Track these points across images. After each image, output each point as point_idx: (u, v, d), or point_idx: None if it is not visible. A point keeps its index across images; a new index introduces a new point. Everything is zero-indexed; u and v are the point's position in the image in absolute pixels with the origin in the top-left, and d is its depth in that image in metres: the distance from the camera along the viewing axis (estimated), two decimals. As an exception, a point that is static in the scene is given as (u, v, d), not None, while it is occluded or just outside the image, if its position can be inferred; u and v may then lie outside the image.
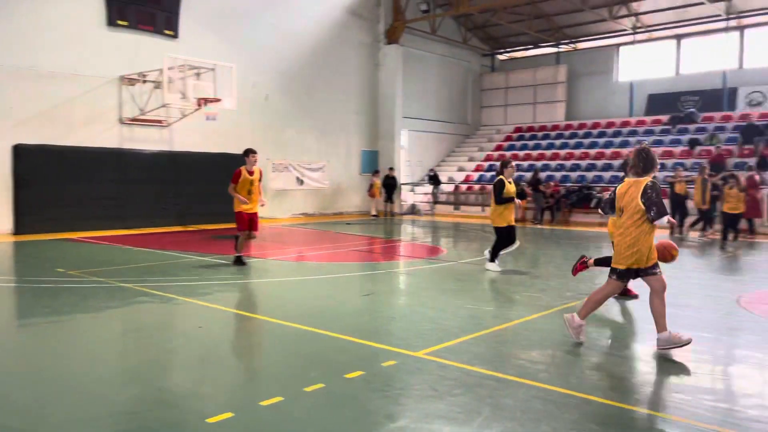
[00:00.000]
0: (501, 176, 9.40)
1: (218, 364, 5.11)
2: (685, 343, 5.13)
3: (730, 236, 14.32)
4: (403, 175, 25.19)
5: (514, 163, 9.58)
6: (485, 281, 9.05)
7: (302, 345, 5.68)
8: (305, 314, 6.81)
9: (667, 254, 5.97)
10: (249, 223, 9.99)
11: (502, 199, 9.34)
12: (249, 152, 9.91)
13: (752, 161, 18.46)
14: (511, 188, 9.37)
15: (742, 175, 15.25)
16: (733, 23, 23.01)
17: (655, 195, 5.03)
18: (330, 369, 4.82)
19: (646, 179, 5.15)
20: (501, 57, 30.32)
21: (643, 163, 5.18)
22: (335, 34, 22.55)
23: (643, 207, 5.05)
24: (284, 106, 20.82)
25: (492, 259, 9.67)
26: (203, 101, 16.08)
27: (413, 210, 24.87)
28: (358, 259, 11.74)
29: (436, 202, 24.42)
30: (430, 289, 8.47)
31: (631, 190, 5.19)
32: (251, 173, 9.92)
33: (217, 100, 16.24)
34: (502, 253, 9.78)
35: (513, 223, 9.59)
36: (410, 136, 25.97)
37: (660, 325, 5.19)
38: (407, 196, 25.41)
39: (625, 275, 5.28)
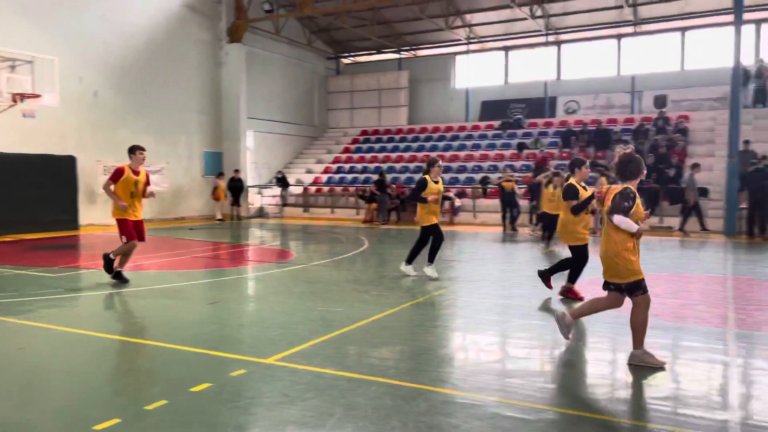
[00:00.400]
0: (426, 175, 9.10)
1: (44, 388, 4.59)
2: (658, 366, 4.88)
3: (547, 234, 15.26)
4: (249, 178, 24.59)
5: (441, 163, 9.39)
6: (335, 283, 9.11)
7: (142, 360, 5.30)
8: (143, 327, 6.36)
9: None
10: (136, 232, 8.61)
11: (418, 197, 9.05)
12: (136, 149, 8.56)
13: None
14: (435, 187, 9.09)
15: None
16: (551, 38, 25.47)
17: (621, 199, 4.86)
18: (173, 383, 4.54)
19: (626, 185, 4.95)
20: (346, 60, 30.80)
21: (625, 168, 4.97)
22: (173, 29, 21.42)
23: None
24: (117, 104, 19.35)
25: (409, 262, 9.47)
26: (19, 97, 14.44)
27: (261, 213, 24.39)
28: (202, 267, 11.23)
29: (284, 204, 24.18)
30: (279, 294, 8.34)
31: (610, 195, 5.02)
32: (137, 173, 8.58)
33: (36, 96, 14.68)
34: (436, 255, 9.44)
35: (437, 222, 9.29)
36: (256, 138, 25.44)
37: (637, 340, 4.96)
38: (255, 199, 24.86)
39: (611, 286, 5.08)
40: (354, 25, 25.56)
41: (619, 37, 24.55)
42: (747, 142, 17.25)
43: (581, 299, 7.49)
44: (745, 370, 4.99)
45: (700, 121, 21.69)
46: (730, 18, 17.48)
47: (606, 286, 5.13)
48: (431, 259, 9.38)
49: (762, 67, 20.90)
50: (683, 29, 23.42)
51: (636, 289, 4.90)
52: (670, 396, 4.36)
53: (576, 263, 7.64)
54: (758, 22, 21.85)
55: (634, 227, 4.81)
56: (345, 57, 30.45)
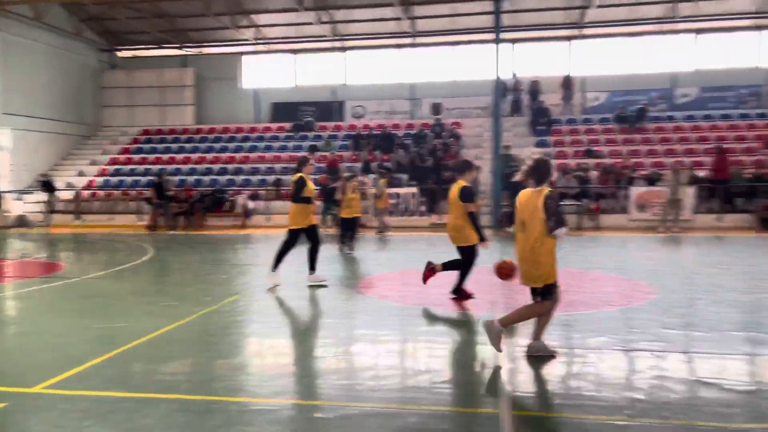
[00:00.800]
0: (301, 174, 8.50)
1: None
2: (551, 354, 5.09)
3: (349, 236, 15.40)
4: (6, 182, 21.45)
5: (313, 161, 9.14)
6: (116, 296, 8.33)
7: None
8: None
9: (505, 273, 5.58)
10: None
11: (302, 198, 8.43)
12: None
13: (359, 165, 21.44)
14: (312, 186, 8.63)
15: (364, 178, 17.38)
16: (338, 44, 26.31)
17: (554, 204, 4.88)
18: None
19: (545, 189, 4.97)
20: (123, 54, 28.42)
21: (539, 172, 5.00)
22: None
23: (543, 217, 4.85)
24: None
25: (275, 267, 8.48)
26: None
27: (22, 222, 21.38)
28: (-54, 286, 9.48)
29: (51, 211, 21.48)
30: (48, 313, 7.37)
31: (531, 200, 4.97)
32: None
33: None
34: (317, 259, 8.67)
35: (314, 223, 8.68)
36: (15, 136, 22.27)
37: (537, 333, 5.13)
38: (13, 206, 21.73)
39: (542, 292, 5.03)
40: (129, 16, 23.69)
41: (399, 46, 26.21)
42: (507, 146, 19.58)
43: (471, 297, 7.47)
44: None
45: (470, 127, 24.12)
46: (492, 36, 19.72)
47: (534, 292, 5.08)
48: (312, 267, 8.65)
49: (517, 81, 23.98)
50: (453, 43, 25.82)
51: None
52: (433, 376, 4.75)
53: (466, 264, 7.49)
54: (514, 41, 24.98)
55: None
56: (122, 50, 28.09)
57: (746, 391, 4.38)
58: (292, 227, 8.55)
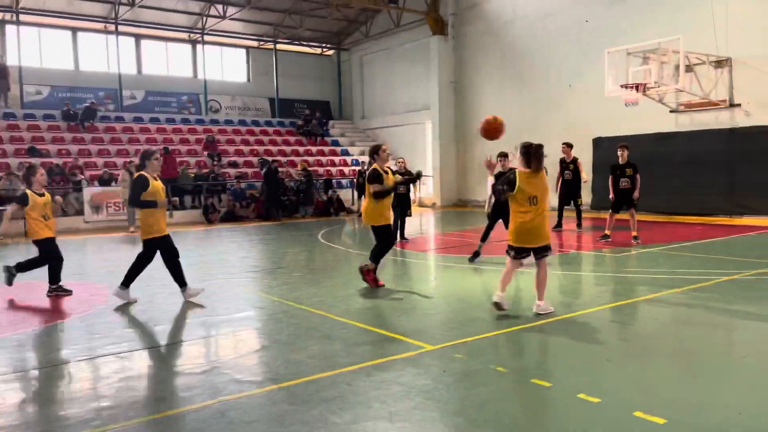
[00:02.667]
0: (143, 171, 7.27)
1: None
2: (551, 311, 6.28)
3: None
4: None
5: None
6: None
7: None
8: None
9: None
10: None
11: (140, 202, 7.25)
12: None
13: None
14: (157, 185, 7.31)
15: None
16: None
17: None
18: None
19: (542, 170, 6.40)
20: None
21: (528, 156, 6.28)
22: None
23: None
24: None
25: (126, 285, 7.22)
26: None
27: None
28: None
29: None
30: None
31: (539, 180, 6.28)
32: None
33: None
34: None
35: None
36: None
37: (540, 293, 6.34)
38: None
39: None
40: None
41: None
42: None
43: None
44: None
45: None
46: None
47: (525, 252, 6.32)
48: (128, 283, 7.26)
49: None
50: None
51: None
52: None
53: (382, 243, 7.83)
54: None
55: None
56: None
57: (203, 371, 4.83)
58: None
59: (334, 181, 23.23)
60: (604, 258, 10.01)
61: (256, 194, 20.43)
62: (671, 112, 16.87)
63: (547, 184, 6.57)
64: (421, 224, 17.30)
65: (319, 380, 4.51)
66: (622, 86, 14.99)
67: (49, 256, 7.89)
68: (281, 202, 20.29)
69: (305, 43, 29.17)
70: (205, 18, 25.32)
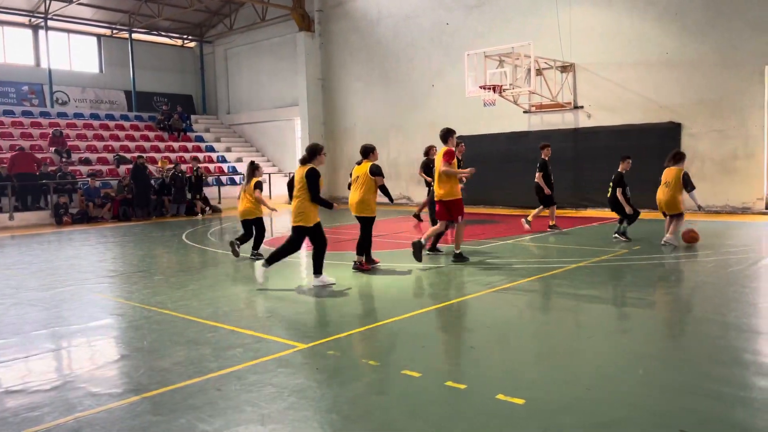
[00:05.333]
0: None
1: None
2: None
3: None
4: None
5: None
6: None
7: None
8: None
9: None
10: None
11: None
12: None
13: None
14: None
15: None
16: None
17: None
18: None
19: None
20: None
21: None
22: None
23: None
24: None
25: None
26: None
27: None
28: None
29: None
30: None
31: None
32: None
33: None
34: None
35: None
36: None
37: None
38: None
39: None
40: None
41: None
42: None
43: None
44: None
45: None
46: None
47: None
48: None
49: None
50: None
51: None
52: None
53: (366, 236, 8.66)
54: None
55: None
56: None
57: (53, 387, 4.42)
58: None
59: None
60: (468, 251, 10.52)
61: (111, 193, 19.05)
62: (524, 112, 18.11)
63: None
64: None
65: (186, 387, 4.30)
66: (480, 87, 15.83)
67: None
68: (150, 200, 19.12)
69: (164, 33, 27.68)
70: (48, 1, 23.15)
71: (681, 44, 15.44)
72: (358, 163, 8.96)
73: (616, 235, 10.97)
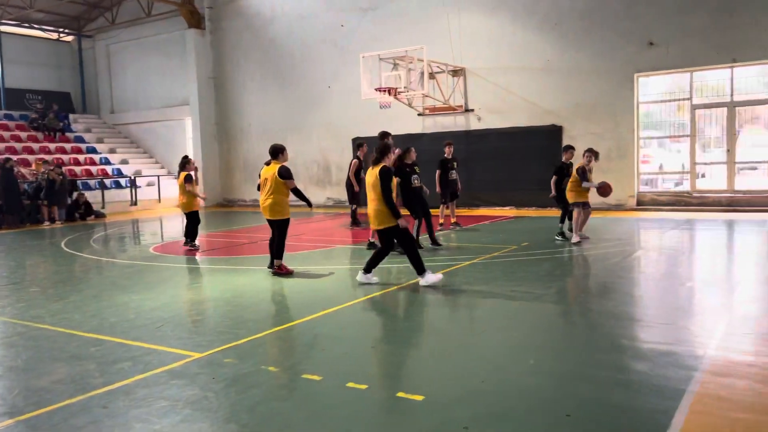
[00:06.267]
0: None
1: None
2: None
3: None
4: None
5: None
6: None
7: None
8: None
9: None
10: None
11: None
12: None
13: None
14: None
15: None
16: None
17: None
18: None
19: None
20: None
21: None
22: None
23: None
24: None
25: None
26: None
27: None
28: None
29: None
30: None
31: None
32: None
33: None
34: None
35: None
36: None
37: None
38: None
39: None
40: None
41: None
42: None
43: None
44: None
45: None
46: None
47: None
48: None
49: None
50: None
51: None
52: None
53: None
54: None
55: None
56: None
57: None
58: None
59: (79, 182, 20.77)
60: (364, 252, 10.59)
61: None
62: (419, 115, 18.52)
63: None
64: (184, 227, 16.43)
65: (68, 407, 3.99)
66: (376, 90, 16.00)
67: None
68: (22, 206, 17.57)
69: (37, 26, 25.65)
70: None
71: (560, 52, 16.45)
72: (267, 164, 8.55)
73: (557, 237, 10.79)
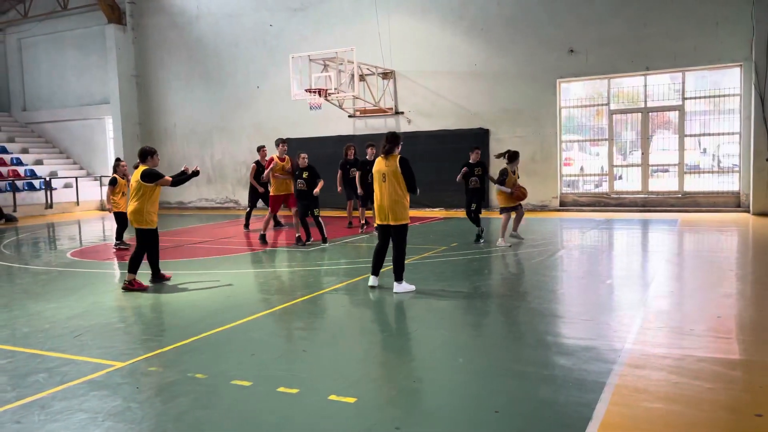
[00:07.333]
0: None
1: None
2: None
3: None
4: None
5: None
6: None
7: None
8: None
9: None
10: None
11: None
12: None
13: None
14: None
15: None
16: None
17: None
18: None
19: None
20: None
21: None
22: None
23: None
24: None
25: None
26: None
27: None
28: None
29: None
30: None
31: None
32: None
33: None
34: None
35: None
36: None
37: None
38: None
39: None
40: None
41: None
42: None
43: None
44: None
45: None
46: None
47: None
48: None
49: None
50: None
51: None
52: None
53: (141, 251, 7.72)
54: None
55: None
56: None
57: None
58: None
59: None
60: (296, 254, 10.48)
61: None
62: (350, 117, 18.53)
63: None
64: (104, 230, 15.74)
65: (-24, 424, 3.73)
66: (306, 90, 15.88)
67: None
68: None
69: (-61, 16, 23.90)
70: None
71: (487, 57, 16.88)
72: (135, 167, 8.01)
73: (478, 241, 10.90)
